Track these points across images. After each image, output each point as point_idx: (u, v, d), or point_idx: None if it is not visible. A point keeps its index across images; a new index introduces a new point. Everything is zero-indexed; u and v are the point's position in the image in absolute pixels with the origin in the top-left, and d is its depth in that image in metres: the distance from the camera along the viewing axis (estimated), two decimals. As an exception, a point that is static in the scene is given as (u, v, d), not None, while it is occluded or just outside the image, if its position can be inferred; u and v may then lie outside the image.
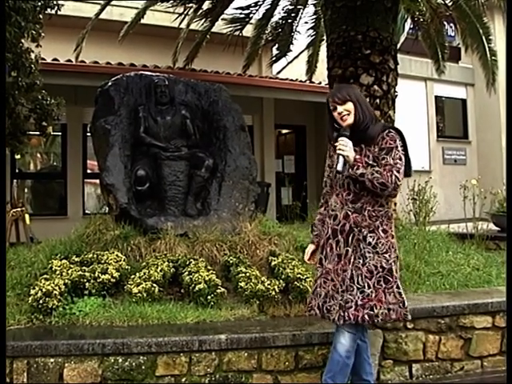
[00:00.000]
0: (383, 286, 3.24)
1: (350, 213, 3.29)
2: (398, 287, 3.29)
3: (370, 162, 3.26)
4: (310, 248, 3.64)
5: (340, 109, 3.34)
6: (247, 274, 4.73)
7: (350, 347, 3.29)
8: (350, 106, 3.34)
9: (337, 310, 3.24)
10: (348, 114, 3.33)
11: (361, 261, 3.24)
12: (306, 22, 11.41)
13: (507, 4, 8.67)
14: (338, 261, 3.30)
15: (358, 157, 3.24)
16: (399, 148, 3.29)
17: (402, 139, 3.35)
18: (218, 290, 4.49)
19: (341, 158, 3.22)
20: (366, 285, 3.22)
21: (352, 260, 3.25)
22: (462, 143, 16.00)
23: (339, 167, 3.22)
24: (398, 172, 3.22)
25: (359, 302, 3.20)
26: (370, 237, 3.26)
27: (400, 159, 3.26)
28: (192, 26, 10.86)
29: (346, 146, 3.22)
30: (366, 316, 3.20)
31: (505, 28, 12.61)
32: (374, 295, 3.22)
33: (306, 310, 3.52)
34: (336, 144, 3.26)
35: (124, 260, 4.94)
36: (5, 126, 6.18)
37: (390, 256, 3.28)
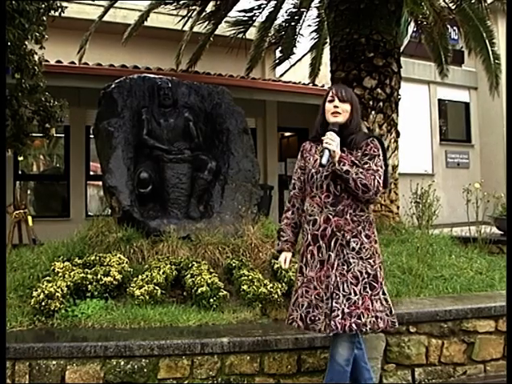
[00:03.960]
0: (369, 292, 3.12)
1: (330, 216, 3.18)
2: (383, 293, 3.20)
3: (356, 162, 3.19)
4: (287, 255, 3.41)
5: (337, 103, 3.29)
6: (250, 277, 4.71)
7: (349, 355, 3.21)
8: (347, 107, 3.30)
9: (322, 320, 3.12)
10: (341, 113, 3.28)
11: (345, 267, 3.12)
12: (310, 25, 11.47)
13: (507, 6, 8.67)
14: (320, 267, 3.17)
15: (343, 154, 3.16)
16: (381, 157, 3.25)
17: (382, 149, 3.31)
18: (221, 293, 4.48)
19: (326, 152, 3.08)
20: (352, 291, 3.09)
21: (335, 265, 3.13)
22: (465, 147, 15.99)
23: (324, 160, 3.07)
24: (380, 178, 3.17)
25: (346, 310, 3.06)
26: (354, 242, 3.15)
27: (381, 167, 3.22)
28: (195, 29, 10.88)
29: (333, 141, 3.11)
30: (353, 325, 3.05)
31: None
32: (360, 302, 3.09)
33: (287, 323, 3.34)
34: (323, 138, 3.15)
35: (126, 262, 4.94)
36: (5, 128, 6.18)
37: (374, 261, 3.19)
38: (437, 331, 4.27)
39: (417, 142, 14.02)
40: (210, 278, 4.57)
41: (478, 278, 5.52)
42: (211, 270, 4.92)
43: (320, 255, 3.19)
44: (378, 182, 3.14)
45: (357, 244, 3.16)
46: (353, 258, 3.14)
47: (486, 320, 4.42)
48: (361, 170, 3.14)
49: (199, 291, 4.44)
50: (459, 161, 15.68)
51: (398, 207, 8.02)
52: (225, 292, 4.53)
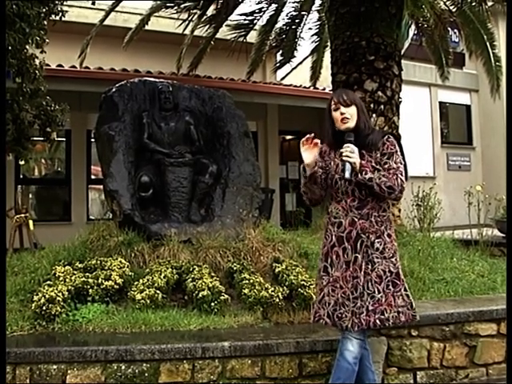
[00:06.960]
0: (392, 289, 3.26)
1: (356, 219, 3.28)
2: (405, 290, 3.33)
3: (377, 167, 3.27)
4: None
5: (343, 110, 3.33)
6: (251, 281, 4.71)
7: (358, 354, 3.29)
8: (353, 110, 3.35)
9: (349, 317, 3.22)
10: (349, 118, 3.33)
11: (369, 266, 3.24)
12: (310, 28, 11.46)
13: (507, 8, 8.67)
14: (346, 268, 3.28)
15: (363, 162, 3.24)
16: (399, 153, 3.34)
17: (399, 144, 3.39)
18: (222, 297, 4.48)
19: (347, 165, 3.18)
20: (375, 290, 3.23)
21: (363, 267, 3.24)
22: (467, 149, 15.99)
23: (347, 175, 3.18)
24: (402, 175, 3.26)
25: (370, 308, 3.21)
26: (378, 242, 3.27)
27: (401, 163, 3.31)
28: (196, 32, 10.89)
29: (352, 153, 3.20)
30: (377, 321, 3.21)
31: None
32: (384, 300, 3.23)
33: (314, 320, 3.44)
34: (342, 150, 3.23)
35: (127, 266, 4.93)
36: (5, 132, 6.18)
37: (396, 260, 3.32)
38: (439, 334, 4.26)
39: (418, 145, 13.99)
40: (211, 282, 4.57)
41: (479, 281, 5.51)
42: (212, 274, 4.92)
43: (345, 256, 3.29)
44: (401, 179, 3.25)
45: (381, 244, 3.28)
46: (377, 257, 3.26)
47: (487, 323, 4.40)
48: (382, 172, 3.23)
49: (200, 295, 4.43)
50: (460, 163, 15.67)
51: (399, 210, 8.01)
52: (226, 296, 4.52)
